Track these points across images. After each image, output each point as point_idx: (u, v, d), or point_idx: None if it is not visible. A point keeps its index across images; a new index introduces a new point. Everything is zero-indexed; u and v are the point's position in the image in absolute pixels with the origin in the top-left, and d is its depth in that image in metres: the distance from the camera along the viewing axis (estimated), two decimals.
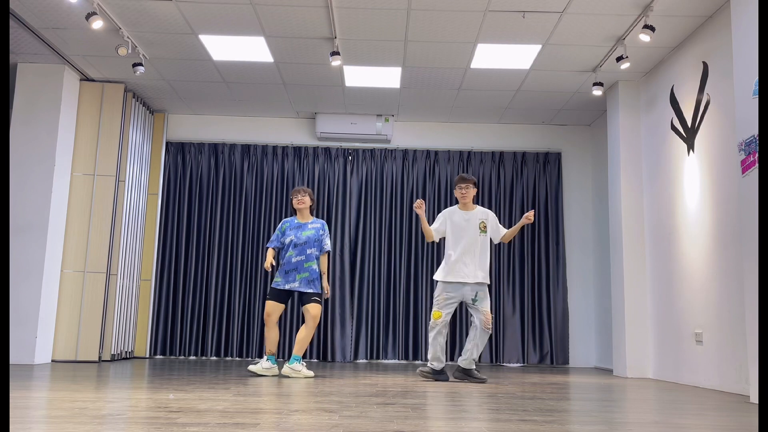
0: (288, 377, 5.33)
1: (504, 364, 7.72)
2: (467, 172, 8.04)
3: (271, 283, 5.56)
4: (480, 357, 7.68)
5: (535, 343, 7.78)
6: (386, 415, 3.16)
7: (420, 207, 5.31)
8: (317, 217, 7.85)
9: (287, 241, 5.58)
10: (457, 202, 5.61)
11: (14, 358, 6.16)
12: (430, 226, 5.46)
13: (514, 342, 7.76)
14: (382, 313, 7.79)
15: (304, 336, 5.47)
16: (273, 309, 5.50)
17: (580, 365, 7.82)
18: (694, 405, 3.98)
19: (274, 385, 4.63)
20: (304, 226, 5.61)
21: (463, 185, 5.43)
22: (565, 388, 4.89)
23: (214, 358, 7.69)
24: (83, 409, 3.14)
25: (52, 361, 6.52)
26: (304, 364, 5.56)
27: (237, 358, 7.68)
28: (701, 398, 4.41)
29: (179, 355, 7.69)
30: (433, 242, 7.93)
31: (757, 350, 4.02)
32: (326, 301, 7.73)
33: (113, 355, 6.87)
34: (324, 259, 5.66)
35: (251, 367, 5.45)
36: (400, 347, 7.73)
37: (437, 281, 5.38)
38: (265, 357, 5.55)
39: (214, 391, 4.12)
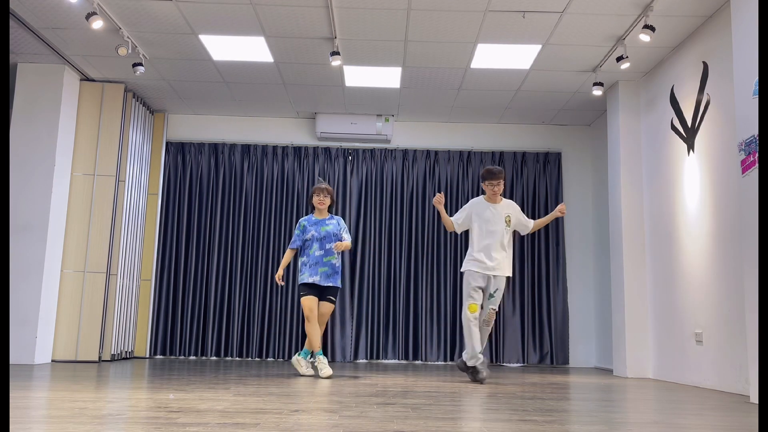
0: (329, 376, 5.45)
1: (504, 364, 7.72)
2: (467, 172, 8.06)
3: (299, 281, 5.67)
4: None
5: (535, 343, 7.78)
6: (386, 415, 3.16)
7: (440, 202, 5.35)
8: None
9: (308, 236, 5.63)
10: (480, 194, 5.62)
11: (14, 358, 6.16)
12: (451, 217, 5.54)
13: (514, 342, 7.76)
14: (382, 313, 7.79)
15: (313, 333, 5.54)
16: (312, 303, 5.52)
17: (580, 365, 7.82)
18: (694, 405, 3.98)
19: (274, 385, 4.63)
20: (323, 222, 5.68)
21: (495, 181, 5.41)
22: (565, 388, 4.88)
23: (214, 358, 7.69)
24: (83, 409, 3.14)
25: (52, 361, 6.52)
26: (311, 362, 5.65)
27: (237, 358, 7.68)
28: (701, 398, 4.41)
29: (179, 355, 7.69)
30: (433, 241, 7.98)
31: (757, 350, 4.01)
32: None
33: (113, 355, 6.87)
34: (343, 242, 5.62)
35: (304, 371, 5.47)
36: (400, 347, 7.73)
37: (463, 272, 5.42)
38: (316, 355, 5.54)
39: (214, 391, 4.12)
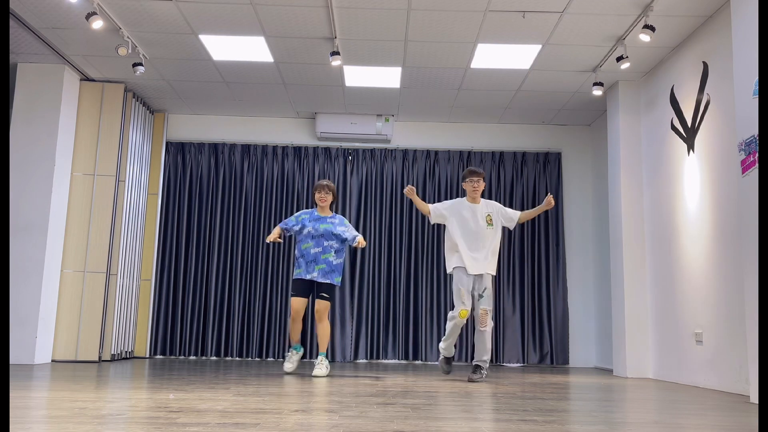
0: (318, 376, 5.38)
1: (504, 364, 7.72)
2: None
3: (293, 275, 5.66)
4: None
5: (535, 343, 7.78)
6: (386, 415, 3.16)
7: (411, 192, 5.32)
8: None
9: (305, 231, 5.62)
10: (463, 195, 5.66)
11: (14, 358, 6.16)
12: (430, 204, 5.61)
13: (514, 342, 7.76)
14: (382, 313, 7.79)
15: (320, 333, 5.58)
16: (299, 306, 5.56)
17: (580, 365, 7.82)
18: (694, 405, 3.98)
19: (274, 385, 4.63)
20: (323, 219, 5.67)
21: (475, 178, 5.49)
22: (565, 388, 4.88)
23: (214, 358, 7.69)
24: (83, 409, 3.14)
25: (52, 361, 6.52)
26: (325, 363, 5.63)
27: (237, 358, 7.68)
28: (701, 398, 4.41)
29: (179, 355, 7.69)
30: (433, 241, 7.97)
31: (757, 350, 4.01)
32: None
33: (113, 355, 6.87)
34: (359, 238, 5.53)
35: (288, 367, 5.64)
36: (400, 347, 7.73)
37: (451, 272, 5.43)
38: (291, 349, 5.74)
39: (214, 391, 4.12)
